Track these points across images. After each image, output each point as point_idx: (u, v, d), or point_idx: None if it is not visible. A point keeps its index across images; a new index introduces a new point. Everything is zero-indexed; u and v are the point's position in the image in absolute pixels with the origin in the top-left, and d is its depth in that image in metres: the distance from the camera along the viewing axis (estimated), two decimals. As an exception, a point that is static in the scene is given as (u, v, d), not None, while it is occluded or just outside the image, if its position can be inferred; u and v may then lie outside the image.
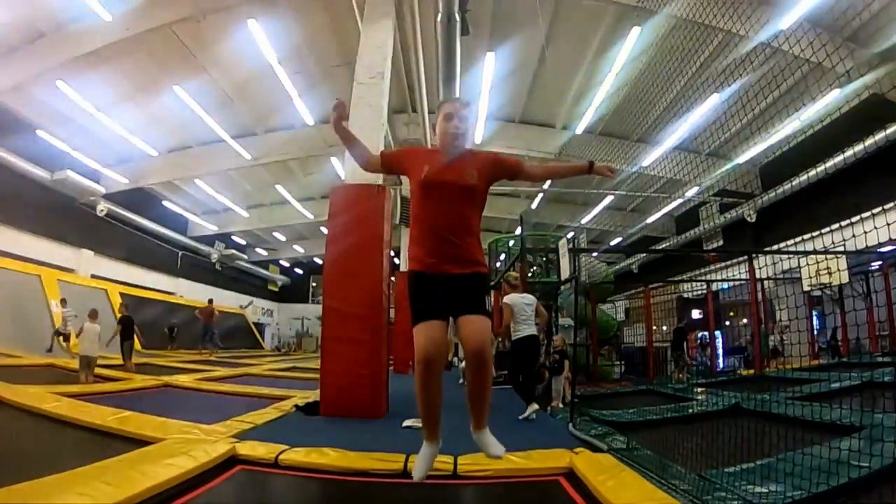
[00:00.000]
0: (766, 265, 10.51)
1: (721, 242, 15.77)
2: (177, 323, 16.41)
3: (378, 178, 5.32)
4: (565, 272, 6.71)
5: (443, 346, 1.87)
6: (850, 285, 9.72)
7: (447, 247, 1.93)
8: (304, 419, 4.37)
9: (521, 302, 4.93)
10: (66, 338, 10.27)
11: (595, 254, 12.06)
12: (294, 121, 12.65)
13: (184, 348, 15.53)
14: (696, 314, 15.06)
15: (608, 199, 15.62)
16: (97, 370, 7.01)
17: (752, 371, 9.49)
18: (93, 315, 7.17)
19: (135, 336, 8.39)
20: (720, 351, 13.74)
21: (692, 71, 6.80)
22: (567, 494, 2.49)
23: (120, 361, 8.32)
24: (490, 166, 2.10)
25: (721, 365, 12.60)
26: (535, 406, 4.67)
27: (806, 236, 10.81)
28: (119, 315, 8.93)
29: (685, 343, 10.63)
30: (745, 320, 12.20)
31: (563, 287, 8.70)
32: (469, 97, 10.31)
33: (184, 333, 16.46)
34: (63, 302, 10.76)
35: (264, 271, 27.44)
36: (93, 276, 15.05)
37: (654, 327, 11.27)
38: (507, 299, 4.98)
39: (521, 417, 4.57)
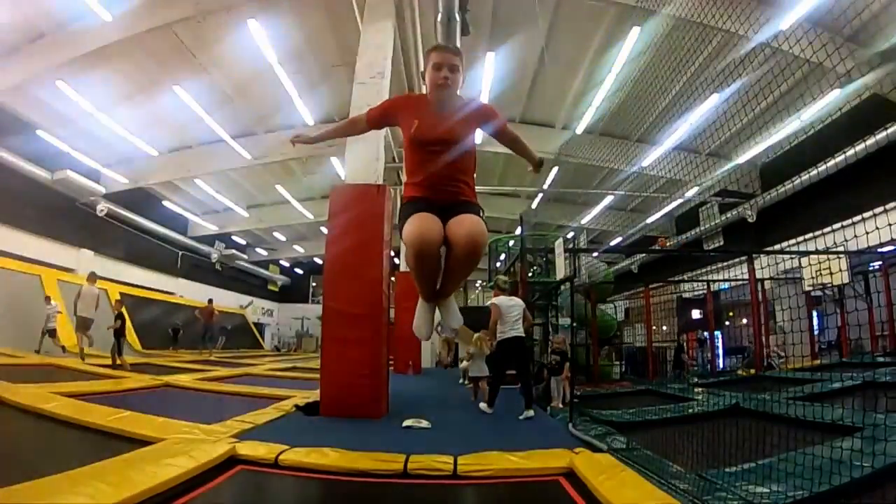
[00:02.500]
0: (767, 266, 10.53)
1: (721, 242, 15.77)
2: (180, 325, 16.40)
3: (378, 178, 5.33)
4: (561, 272, 6.72)
5: (436, 235, 1.83)
6: (851, 286, 9.72)
7: (442, 191, 1.96)
8: (304, 419, 4.36)
9: (509, 305, 5.15)
10: (53, 333, 10.30)
11: (595, 254, 12.05)
12: (294, 121, 12.64)
13: (184, 348, 15.53)
14: (695, 314, 15.07)
15: (608, 199, 15.62)
16: (88, 368, 7.02)
17: (751, 371, 9.48)
18: (91, 278, 7.16)
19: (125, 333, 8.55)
20: (720, 351, 13.74)
21: (692, 71, 6.81)
22: (567, 494, 2.49)
23: (109, 361, 8.35)
24: (481, 117, 2.08)
25: (721, 365, 12.60)
26: (531, 412, 4.72)
27: (808, 236, 10.84)
28: (115, 311, 8.99)
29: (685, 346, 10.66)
30: (745, 320, 12.19)
31: (563, 287, 8.69)
32: (469, 95, 10.33)
33: (184, 333, 16.46)
34: (47, 299, 10.77)
35: (264, 271, 27.45)
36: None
37: (654, 327, 11.27)
38: (495, 301, 5.22)
39: (521, 417, 4.62)
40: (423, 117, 1.94)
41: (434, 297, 2.11)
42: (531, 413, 4.70)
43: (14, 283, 11.04)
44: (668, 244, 17.46)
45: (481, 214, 2.03)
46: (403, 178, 2.09)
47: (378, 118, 2.07)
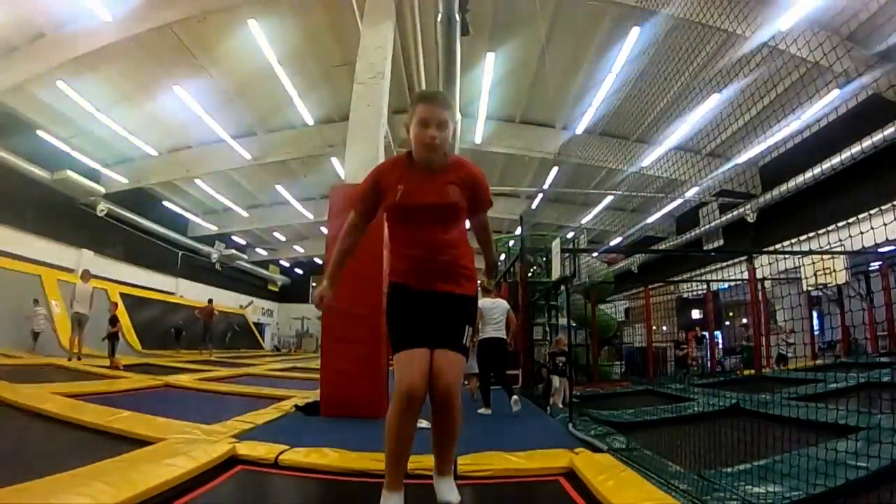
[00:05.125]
0: (766, 264, 10.52)
1: (721, 242, 15.77)
2: (182, 325, 16.41)
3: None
4: (556, 273, 6.73)
5: (426, 380, 1.64)
6: (850, 286, 9.73)
7: (431, 265, 1.72)
8: (304, 419, 4.36)
9: (492, 307, 5.29)
10: (36, 337, 10.34)
11: (595, 254, 12.04)
12: (294, 121, 12.66)
13: (184, 348, 15.53)
14: (696, 314, 15.07)
15: (608, 199, 15.62)
16: (88, 368, 7.04)
17: (751, 371, 9.50)
18: (85, 276, 7.18)
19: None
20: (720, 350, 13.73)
21: (692, 71, 6.81)
22: (567, 494, 2.49)
23: (107, 362, 8.41)
24: (470, 185, 1.82)
25: (721, 365, 12.59)
26: (516, 397, 5.05)
27: (809, 235, 10.84)
28: (111, 314, 9.04)
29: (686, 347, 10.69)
30: (745, 320, 12.19)
31: (562, 287, 8.69)
32: (468, 97, 10.33)
33: (185, 334, 16.48)
34: (35, 302, 10.79)
35: (264, 271, 27.45)
36: (93, 277, 15.02)
37: (654, 327, 11.27)
38: (479, 303, 5.23)
39: (514, 410, 4.85)
40: (409, 182, 1.72)
41: (401, 482, 1.72)
42: (516, 397, 5.03)
43: (14, 283, 11.04)
44: (666, 245, 17.46)
45: (477, 293, 1.84)
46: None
47: (367, 198, 1.78)
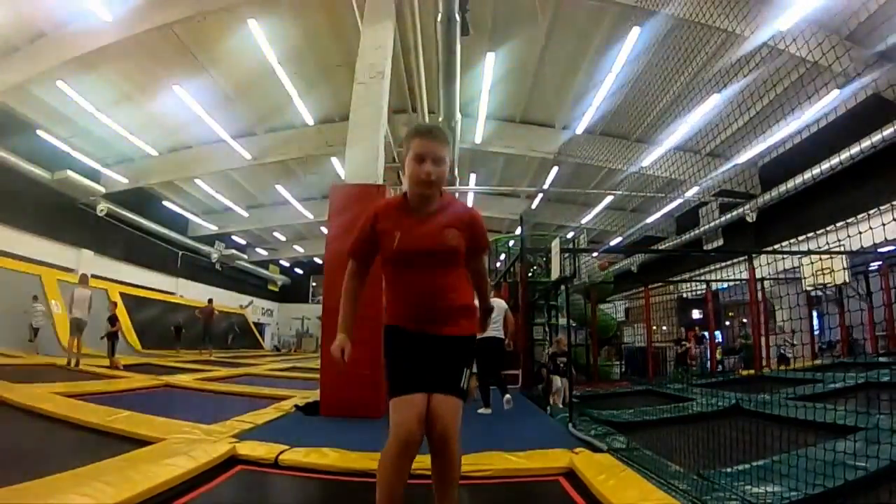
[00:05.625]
0: (766, 264, 10.53)
1: (721, 242, 15.77)
2: (182, 323, 16.41)
3: (378, 178, 5.33)
4: (556, 272, 6.74)
5: (422, 427, 1.59)
6: (849, 286, 9.73)
7: (430, 311, 1.67)
8: (304, 419, 4.37)
9: None
10: (36, 333, 10.43)
11: (595, 254, 12.05)
12: (294, 121, 12.65)
13: (185, 348, 15.54)
14: (696, 314, 15.07)
15: (608, 199, 15.62)
16: (87, 368, 7.05)
17: (750, 371, 9.50)
18: (83, 280, 7.19)
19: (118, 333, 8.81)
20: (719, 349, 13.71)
21: (692, 71, 6.81)
22: (567, 494, 2.49)
23: (107, 362, 8.47)
24: (468, 227, 1.70)
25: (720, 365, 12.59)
26: (509, 396, 5.21)
27: (808, 235, 10.85)
28: (110, 314, 9.08)
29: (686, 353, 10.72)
30: (745, 320, 12.20)
31: (562, 287, 8.70)
32: (468, 97, 10.32)
33: (185, 333, 16.48)
34: (34, 298, 10.83)
35: (264, 271, 27.46)
36: (93, 276, 15.00)
37: (654, 327, 11.27)
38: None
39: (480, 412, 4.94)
40: (406, 227, 1.63)
41: None
42: (508, 396, 5.15)
43: (14, 283, 11.04)
44: (666, 245, 17.47)
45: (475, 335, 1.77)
46: (384, 302, 1.78)
47: (364, 246, 1.71)
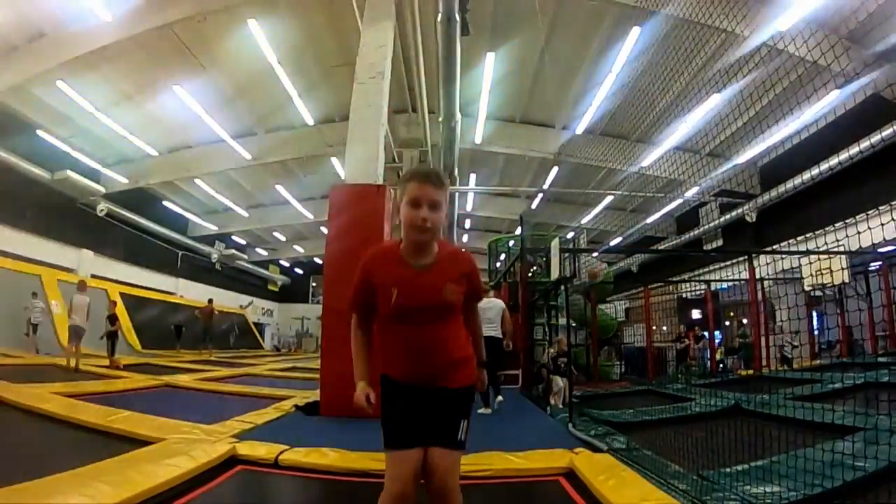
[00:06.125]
0: (766, 263, 10.53)
1: (721, 242, 15.77)
2: (182, 323, 16.41)
3: (378, 178, 5.33)
4: (555, 273, 6.74)
5: (418, 481, 1.57)
6: (849, 285, 9.73)
7: (426, 364, 1.62)
8: (304, 419, 4.37)
9: (486, 307, 5.28)
10: (35, 329, 10.44)
11: (595, 254, 12.05)
12: (294, 121, 12.66)
13: (185, 348, 15.54)
14: (695, 314, 15.07)
15: (608, 199, 15.62)
16: (87, 368, 7.05)
17: (750, 371, 9.50)
18: (81, 287, 7.21)
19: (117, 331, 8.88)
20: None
21: (692, 71, 6.81)
22: (567, 494, 2.49)
23: (107, 362, 8.50)
24: (467, 280, 1.66)
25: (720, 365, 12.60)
26: (500, 398, 5.29)
27: (808, 235, 10.85)
28: (109, 313, 9.10)
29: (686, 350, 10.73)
30: (744, 320, 12.21)
31: (562, 287, 8.69)
32: (468, 97, 10.32)
33: (186, 332, 16.48)
34: (33, 295, 10.85)
35: (264, 271, 27.45)
36: (93, 276, 15.04)
37: (654, 327, 11.27)
38: None
39: (480, 412, 4.92)
40: (403, 282, 1.58)
41: None
42: (501, 398, 5.23)
43: (14, 284, 11.05)
44: (666, 245, 17.47)
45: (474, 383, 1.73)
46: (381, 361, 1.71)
47: (362, 300, 1.65)
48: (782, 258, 11.43)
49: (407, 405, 1.61)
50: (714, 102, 8.95)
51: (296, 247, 24.96)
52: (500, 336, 5.40)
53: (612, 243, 17.05)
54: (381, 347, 1.68)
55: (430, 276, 1.59)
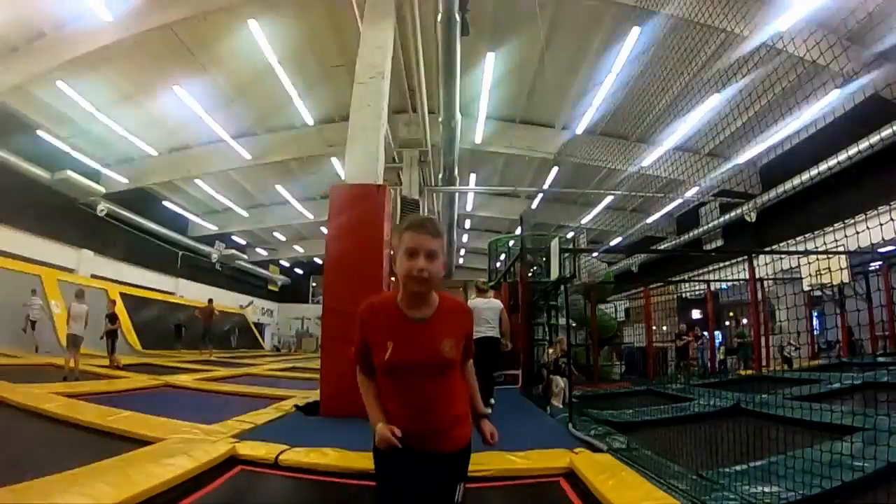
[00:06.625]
0: (766, 263, 10.53)
1: (721, 242, 15.77)
2: (182, 322, 16.42)
3: (378, 178, 5.33)
4: (555, 273, 6.74)
5: None
6: (849, 285, 9.73)
7: (423, 425, 1.58)
8: (304, 419, 4.37)
9: (484, 307, 5.35)
10: (34, 326, 10.49)
11: (595, 254, 12.05)
12: (294, 121, 12.66)
13: (185, 348, 15.54)
14: (696, 314, 15.07)
15: (608, 199, 15.63)
16: (87, 368, 7.06)
17: (750, 371, 9.50)
18: (79, 295, 7.22)
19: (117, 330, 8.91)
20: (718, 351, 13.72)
21: (693, 71, 6.81)
22: (567, 495, 2.49)
23: (107, 362, 8.52)
24: (465, 335, 1.64)
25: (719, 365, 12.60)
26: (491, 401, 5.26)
27: (808, 235, 10.85)
28: (109, 311, 9.11)
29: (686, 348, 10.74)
30: (745, 321, 12.22)
31: (562, 288, 8.69)
32: (468, 97, 10.33)
33: (186, 332, 16.48)
34: (33, 292, 10.87)
35: (264, 271, 27.45)
36: (93, 276, 15.06)
37: (654, 327, 11.28)
38: (470, 303, 5.46)
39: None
40: (399, 336, 1.54)
41: None
42: (493, 401, 5.22)
43: (14, 283, 11.05)
44: (666, 245, 17.47)
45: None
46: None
47: (364, 354, 1.62)
48: (782, 258, 11.43)
49: (399, 470, 1.56)
50: (714, 102, 8.95)
51: (296, 247, 24.95)
52: (498, 336, 5.41)
53: (612, 243, 17.05)
54: (381, 394, 1.63)
55: (428, 330, 1.55)
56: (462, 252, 24.80)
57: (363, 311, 1.59)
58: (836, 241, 7.69)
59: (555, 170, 14.09)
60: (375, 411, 1.60)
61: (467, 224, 20.97)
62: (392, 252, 1.61)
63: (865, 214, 8.69)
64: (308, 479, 2.68)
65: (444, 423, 1.59)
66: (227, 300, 22.85)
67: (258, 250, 25.54)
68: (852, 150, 9.57)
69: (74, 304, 7.08)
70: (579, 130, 12.15)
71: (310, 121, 12.24)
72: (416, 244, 1.50)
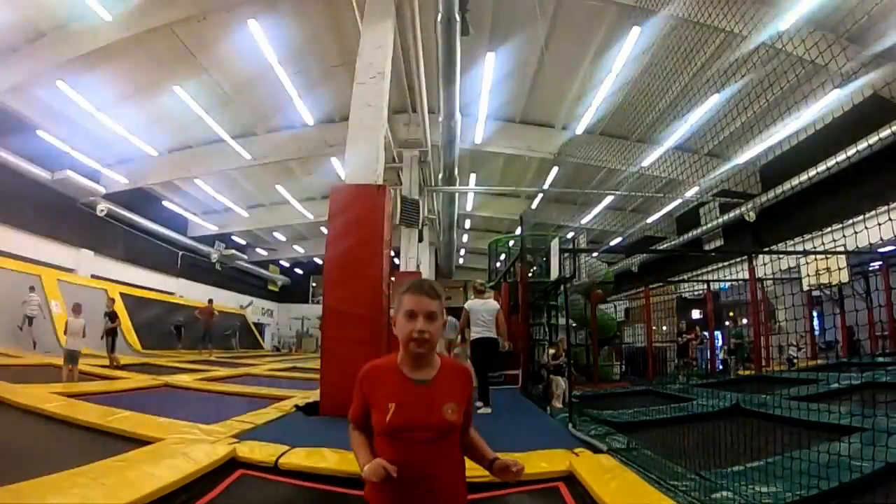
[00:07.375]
0: (766, 262, 10.52)
1: (721, 242, 15.76)
2: (182, 322, 16.41)
3: (378, 178, 5.33)
4: (555, 273, 6.75)
5: None
6: (851, 285, 9.73)
7: (420, 489, 1.55)
8: (304, 419, 4.37)
9: (481, 308, 5.44)
10: (31, 322, 10.48)
11: (595, 254, 12.05)
12: (294, 121, 12.65)
13: (185, 348, 15.54)
14: (696, 314, 15.07)
15: (608, 199, 15.62)
16: (87, 368, 7.06)
17: (749, 370, 9.50)
18: (76, 309, 7.21)
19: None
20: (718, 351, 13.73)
21: (693, 71, 6.81)
22: (567, 496, 2.49)
23: (107, 361, 8.53)
24: (467, 399, 1.64)
25: (719, 365, 12.61)
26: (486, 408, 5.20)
27: (807, 236, 10.85)
28: (108, 310, 9.12)
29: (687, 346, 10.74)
30: (745, 321, 12.21)
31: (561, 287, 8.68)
32: (468, 97, 10.32)
33: (186, 332, 16.48)
34: (31, 289, 10.87)
35: (264, 271, 27.44)
36: (93, 276, 15.06)
37: (654, 327, 11.28)
38: (467, 304, 5.58)
39: (480, 412, 4.92)
40: (400, 399, 1.53)
41: None
42: (486, 404, 5.19)
43: (14, 284, 11.05)
44: (666, 245, 17.47)
45: None
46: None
47: (362, 415, 1.61)
48: (781, 258, 11.42)
49: None
50: (714, 102, 8.95)
51: (296, 247, 24.94)
52: (495, 337, 5.45)
53: (612, 243, 17.04)
54: (380, 452, 1.58)
55: (430, 392, 1.54)
56: (462, 252, 24.79)
57: (365, 375, 1.58)
58: (836, 241, 7.68)
59: (555, 170, 14.09)
60: (364, 454, 1.56)
61: (467, 224, 20.96)
62: (392, 315, 1.61)
63: (865, 214, 8.69)
64: (308, 480, 2.67)
65: (443, 488, 1.56)
66: (228, 300, 22.85)
67: (258, 250, 25.53)
68: (851, 151, 9.57)
69: (71, 319, 7.06)
70: (579, 130, 12.15)
71: (310, 121, 12.23)
72: (414, 306, 1.52)
